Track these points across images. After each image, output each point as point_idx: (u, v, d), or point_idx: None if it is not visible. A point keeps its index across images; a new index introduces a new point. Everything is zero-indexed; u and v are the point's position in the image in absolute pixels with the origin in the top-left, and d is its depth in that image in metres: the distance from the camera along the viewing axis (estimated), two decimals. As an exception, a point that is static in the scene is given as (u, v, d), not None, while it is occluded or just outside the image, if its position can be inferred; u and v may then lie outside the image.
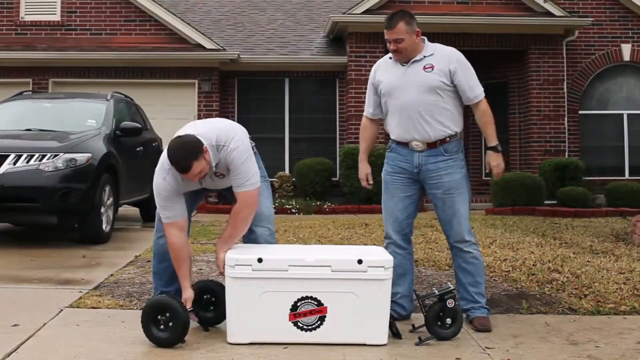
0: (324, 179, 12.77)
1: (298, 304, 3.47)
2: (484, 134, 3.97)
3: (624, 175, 13.83)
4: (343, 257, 3.55)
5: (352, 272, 3.47)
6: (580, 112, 14.00)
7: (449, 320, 3.64)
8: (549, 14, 13.26)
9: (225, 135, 3.64)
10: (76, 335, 3.63)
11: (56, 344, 3.48)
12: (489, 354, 3.41)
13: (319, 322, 3.48)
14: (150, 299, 3.79)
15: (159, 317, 3.45)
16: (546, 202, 12.01)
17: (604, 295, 4.65)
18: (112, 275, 5.29)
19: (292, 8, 16.10)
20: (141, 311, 3.54)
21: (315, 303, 3.47)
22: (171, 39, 13.36)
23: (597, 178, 13.51)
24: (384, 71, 4.03)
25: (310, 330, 3.48)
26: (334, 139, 13.90)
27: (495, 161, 3.90)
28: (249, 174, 3.64)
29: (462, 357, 3.36)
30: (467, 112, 4.06)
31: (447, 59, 3.88)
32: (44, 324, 3.82)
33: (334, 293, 3.47)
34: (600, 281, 5.05)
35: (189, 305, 3.59)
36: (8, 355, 3.26)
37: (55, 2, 13.58)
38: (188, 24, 13.56)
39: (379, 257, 3.55)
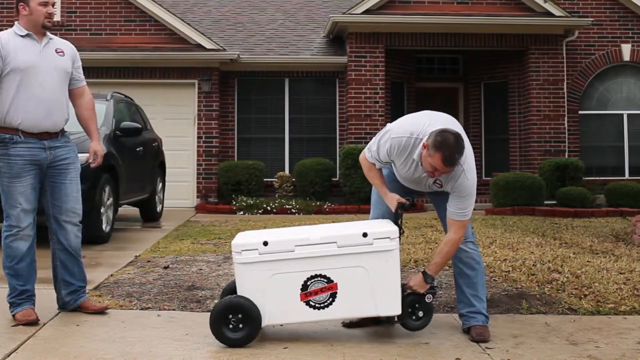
0: (324, 179, 12.77)
1: (308, 283, 3.49)
2: (435, 260, 3.73)
3: (624, 175, 13.83)
4: (348, 232, 3.57)
5: (358, 246, 3.50)
6: (580, 112, 13.99)
7: (420, 314, 3.63)
8: (548, 14, 13.26)
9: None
10: (76, 335, 3.64)
11: (56, 344, 3.48)
12: (489, 354, 3.41)
13: (330, 299, 3.50)
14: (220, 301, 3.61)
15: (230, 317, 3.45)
16: (546, 202, 12.01)
17: (604, 295, 4.65)
18: (112, 275, 5.29)
19: (292, 8, 16.09)
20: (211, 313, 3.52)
21: (325, 280, 3.49)
22: (171, 39, 13.35)
23: (597, 178, 13.52)
24: (400, 161, 3.77)
25: (323, 307, 3.51)
26: (334, 139, 13.90)
27: (418, 285, 3.66)
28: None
29: (462, 357, 3.36)
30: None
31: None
32: (44, 324, 3.82)
33: (343, 269, 3.50)
34: (600, 281, 5.05)
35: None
36: (8, 356, 3.26)
37: (55, 2, 13.55)
38: (188, 24, 13.55)
39: (384, 229, 3.57)
